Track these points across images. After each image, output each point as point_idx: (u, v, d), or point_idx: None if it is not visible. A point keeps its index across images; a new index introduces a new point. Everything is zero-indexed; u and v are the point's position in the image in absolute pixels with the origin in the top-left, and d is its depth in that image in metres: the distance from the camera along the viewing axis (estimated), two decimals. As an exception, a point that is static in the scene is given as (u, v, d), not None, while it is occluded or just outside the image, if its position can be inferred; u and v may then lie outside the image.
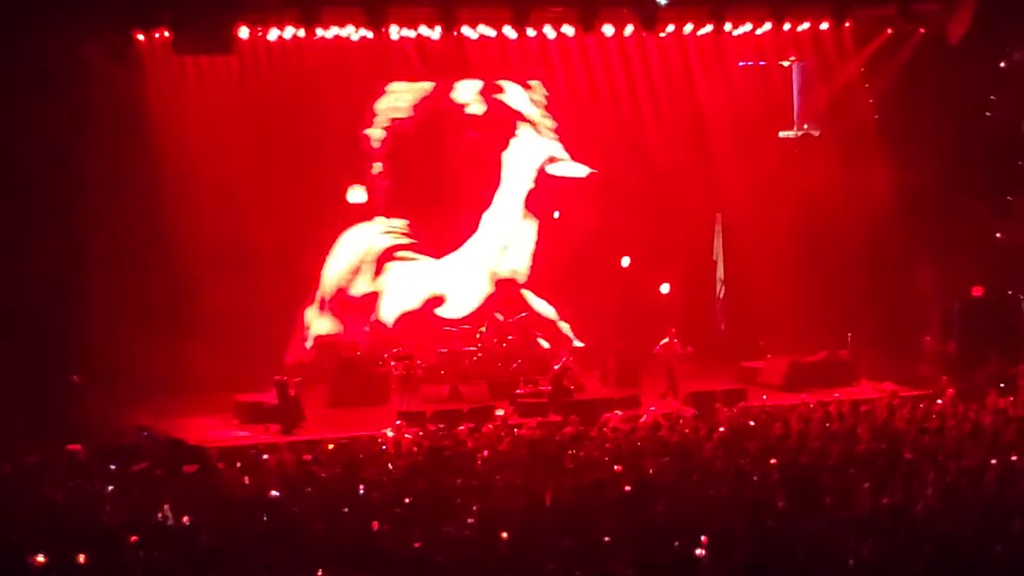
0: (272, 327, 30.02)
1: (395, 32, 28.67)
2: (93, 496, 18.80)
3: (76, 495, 18.84)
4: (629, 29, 29.32)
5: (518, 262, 33.02)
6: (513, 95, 32.79)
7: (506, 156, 32.97)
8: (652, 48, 31.01)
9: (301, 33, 27.88)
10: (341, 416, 27.44)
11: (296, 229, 30.60)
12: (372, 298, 31.99)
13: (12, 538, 16.00)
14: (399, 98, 31.88)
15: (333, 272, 31.73)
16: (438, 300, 31.00)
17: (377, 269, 32.08)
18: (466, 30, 28.80)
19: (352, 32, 28.37)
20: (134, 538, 15.86)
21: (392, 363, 28.74)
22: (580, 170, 33.29)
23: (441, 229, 32.46)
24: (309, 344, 30.89)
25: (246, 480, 19.87)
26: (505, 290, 32.58)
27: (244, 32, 27.37)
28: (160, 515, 17.36)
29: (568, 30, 29.25)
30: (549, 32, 29.44)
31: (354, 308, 31.71)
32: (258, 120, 29.82)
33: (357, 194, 31.03)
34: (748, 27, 29.77)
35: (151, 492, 18.79)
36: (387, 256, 32.13)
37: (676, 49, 30.98)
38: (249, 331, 29.80)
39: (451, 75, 31.48)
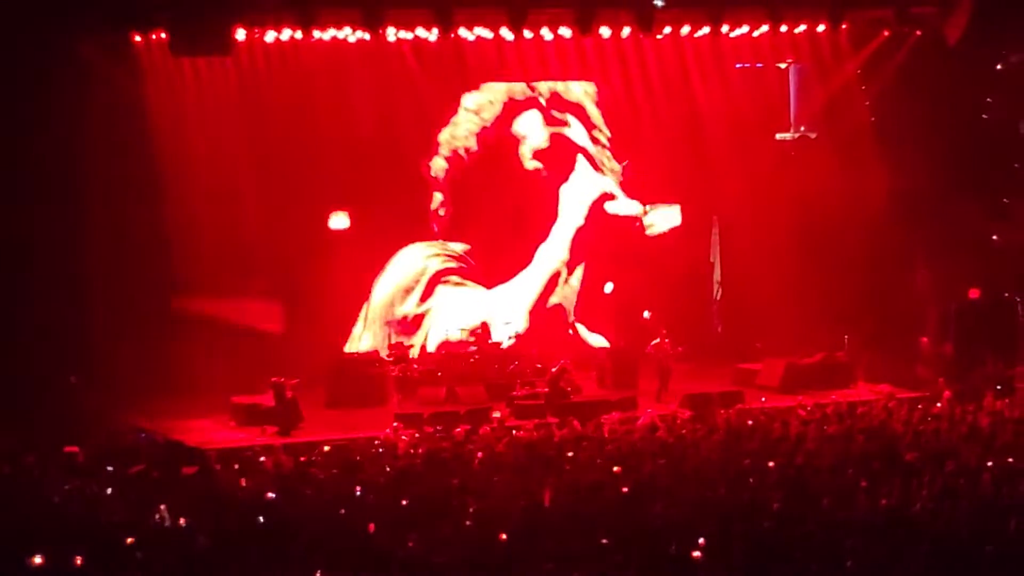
0: (270, 329, 30.02)
1: (392, 34, 28.68)
2: (91, 497, 18.80)
3: (74, 496, 18.83)
4: (626, 31, 29.32)
5: (567, 294, 33.27)
6: (575, 130, 33.14)
7: (564, 190, 33.23)
8: (649, 50, 31.04)
9: (298, 35, 27.87)
10: (339, 418, 27.42)
11: (293, 231, 30.58)
12: (417, 319, 32.23)
13: (10, 539, 15.99)
14: (462, 128, 32.19)
15: (384, 288, 31.92)
16: (486, 336, 30.95)
17: (427, 291, 32.25)
18: (463, 32, 28.80)
19: (349, 34, 28.38)
20: (130, 540, 15.87)
21: (390, 363, 28.76)
22: (634, 208, 33.48)
23: (497, 259, 32.74)
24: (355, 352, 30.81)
25: (243, 482, 19.87)
26: (554, 319, 32.73)
27: (241, 34, 27.35)
28: (157, 516, 17.36)
29: (565, 32, 29.24)
30: (546, 34, 29.44)
31: (398, 326, 32.03)
32: (256, 121, 29.83)
33: (339, 220, 30.95)
34: (745, 29, 29.79)
35: (149, 494, 18.79)
36: (437, 279, 32.34)
37: (673, 51, 31.00)
38: (247, 333, 29.83)
39: (454, 75, 31.49)
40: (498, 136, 32.68)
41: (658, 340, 29.49)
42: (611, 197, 33.59)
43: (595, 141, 33.45)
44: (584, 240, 33.41)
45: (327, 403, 28.60)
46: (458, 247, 32.56)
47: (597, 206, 33.52)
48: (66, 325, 26.62)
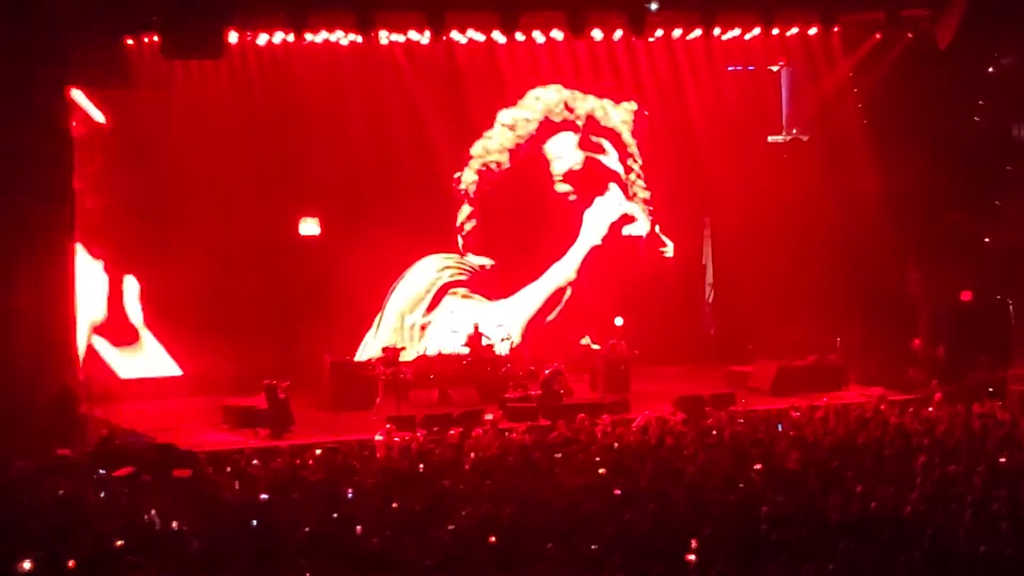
0: (263, 331, 30.03)
1: (384, 37, 28.68)
2: (83, 501, 18.77)
3: (66, 500, 18.81)
4: (618, 34, 29.32)
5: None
6: (610, 157, 33.31)
7: (587, 214, 33.38)
8: (641, 52, 31.06)
9: (290, 38, 27.83)
10: (332, 420, 27.41)
11: (284, 234, 30.60)
12: (423, 329, 32.34)
13: (1, 543, 15.99)
14: (495, 142, 32.38)
15: (398, 298, 32.03)
16: (478, 338, 30.93)
17: (434, 302, 32.33)
18: (455, 35, 28.80)
19: (341, 37, 28.36)
20: (120, 543, 15.87)
21: (380, 367, 28.75)
22: (643, 228, 33.58)
23: (513, 276, 32.90)
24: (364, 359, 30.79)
25: (236, 485, 19.86)
26: (552, 334, 32.79)
27: (233, 37, 27.29)
28: (147, 517, 17.36)
29: (557, 35, 29.24)
30: (538, 37, 29.44)
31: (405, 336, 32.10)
32: (249, 123, 29.85)
33: (309, 226, 30.91)
34: (737, 32, 29.78)
35: (141, 497, 18.78)
36: (445, 290, 32.50)
37: (665, 53, 31.01)
38: (241, 335, 29.86)
39: (442, 81, 31.39)
40: (530, 155, 32.76)
41: (614, 341, 29.62)
42: (631, 220, 33.67)
43: (628, 169, 33.58)
44: (594, 259, 33.43)
45: (321, 405, 28.57)
46: (477, 261, 32.61)
47: (615, 228, 33.59)
48: (59, 328, 26.55)
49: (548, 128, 32.99)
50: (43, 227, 25.99)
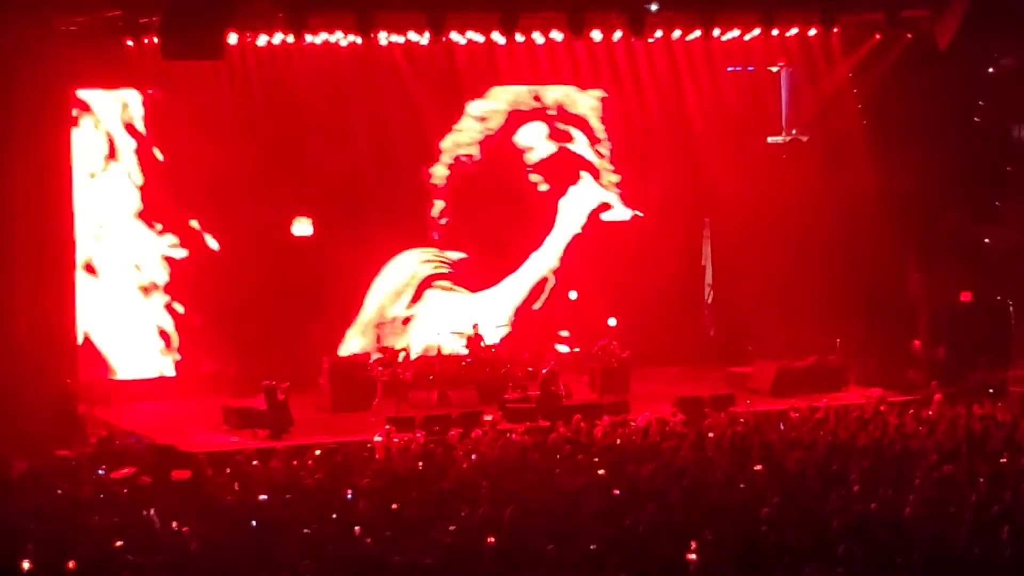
0: (263, 332, 30.03)
1: (384, 38, 28.67)
2: (83, 501, 18.77)
3: (66, 500, 18.81)
4: (618, 35, 29.31)
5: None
6: (579, 144, 33.28)
7: (563, 202, 33.39)
8: (640, 53, 31.05)
9: (290, 39, 27.80)
10: (331, 421, 27.42)
11: (281, 235, 30.63)
12: (405, 322, 32.31)
13: (1, 543, 15.99)
14: (465, 135, 32.38)
15: (377, 294, 31.99)
16: (478, 339, 30.89)
17: (416, 295, 32.32)
18: (455, 36, 28.79)
19: (341, 38, 28.33)
20: (120, 542, 15.87)
21: (378, 368, 28.76)
22: (625, 214, 33.61)
23: (491, 267, 32.86)
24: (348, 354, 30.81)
25: (235, 486, 19.85)
26: (538, 324, 32.80)
27: (233, 38, 27.25)
28: (145, 514, 17.36)
29: (556, 35, 29.24)
30: (538, 38, 29.43)
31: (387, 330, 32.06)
32: (248, 124, 29.85)
33: (302, 227, 30.92)
34: (736, 32, 29.77)
35: (140, 497, 18.78)
36: (427, 283, 32.46)
37: (664, 54, 31.00)
38: (241, 336, 29.87)
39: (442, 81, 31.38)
40: (501, 145, 32.73)
41: (604, 341, 29.62)
42: (608, 207, 33.69)
43: (598, 155, 33.58)
44: (577, 248, 33.40)
45: (321, 406, 28.58)
46: (454, 255, 32.60)
47: (594, 216, 33.60)
48: (58, 329, 26.56)
49: (517, 118, 32.97)
50: (44, 227, 26.05)
